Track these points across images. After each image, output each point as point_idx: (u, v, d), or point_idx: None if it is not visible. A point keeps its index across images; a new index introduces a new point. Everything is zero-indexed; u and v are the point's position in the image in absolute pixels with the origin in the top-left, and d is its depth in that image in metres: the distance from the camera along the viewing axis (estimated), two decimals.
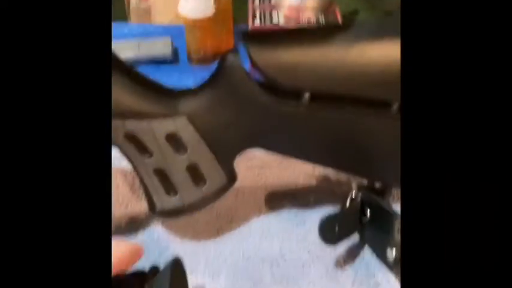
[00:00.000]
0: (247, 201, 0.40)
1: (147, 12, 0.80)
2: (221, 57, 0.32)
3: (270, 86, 0.32)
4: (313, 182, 0.43)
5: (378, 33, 0.31)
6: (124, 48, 0.57)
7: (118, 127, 0.30)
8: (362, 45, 0.30)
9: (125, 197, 0.40)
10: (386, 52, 0.29)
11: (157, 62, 0.58)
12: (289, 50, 0.32)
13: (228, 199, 0.40)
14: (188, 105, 0.32)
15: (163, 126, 0.31)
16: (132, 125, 0.30)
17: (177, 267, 0.27)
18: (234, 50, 0.63)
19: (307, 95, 0.32)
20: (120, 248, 0.27)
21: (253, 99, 0.32)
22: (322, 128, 0.34)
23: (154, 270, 0.28)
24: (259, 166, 0.44)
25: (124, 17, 0.81)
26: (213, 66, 0.59)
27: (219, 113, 0.32)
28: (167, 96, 0.32)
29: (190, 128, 0.32)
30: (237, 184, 0.36)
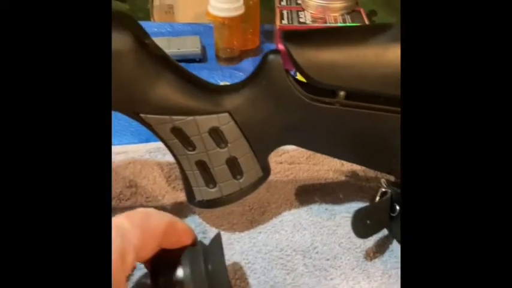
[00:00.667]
0: (278, 195, 0.42)
1: (170, 10, 0.82)
2: (262, 56, 0.34)
3: (307, 84, 0.33)
4: (342, 177, 0.44)
5: None
6: None
7: (166, 122, 0.32)
8: (398, 46, 0.32)
9: (162, 189, 0.42)
10: None
11: (186, 60, 0.60)
12: (327, 49, 0.33)
13: (260, 192, 0.41)
14: (230, 101, 0.33)
15: (207, 122, 0.33)
16: (178, 120, 0.32)
17: (216, 239, 0.30)
18: (259, 49, 0.65)
19: (342, 93, 0.33)
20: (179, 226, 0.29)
21: (290, 97, 0.33)
22: (355, 125, 0.35)
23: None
24: (289, 161, 0.45)
25: (148, 17, 0.83)
26: (241, 64, 0.61)
27: (258, 109, 0.34)
28: (212, 93, 0.33)
29: (232, 123, 0.33)
30: (269, 178, 0.37)
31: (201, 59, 0.61)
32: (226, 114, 0.33)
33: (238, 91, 0.34)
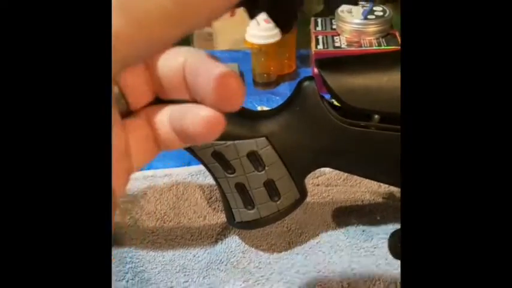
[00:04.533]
0: (315, 216, 0.43)
1: (209, 38, 0.85)
2: (297, 83, 0.35)
3: (342, 109, 0.35)
4: (379, 199, 0.44)
5: None
6: None
7: (207, 147, 0.34)
8: None
9: (203, 210, 0.44)
10: None
11: None
12: (360, 74, 0.34)
13: (297, 214, 0.42)
14: (267, 126, 0.35)
15: (245, 146, 0.34)
16: (219, 145, 0.34)
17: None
18: (295, 73, 0.67)
19: (377, 117, 0.34)
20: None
21: (326, 121, 0.35)
22: (390, 147, 0.36)
23: None
24: (326, 183, 0.46)
25: (188, 44, 0.87)
26: (277, 88, 0.63)
27: (294, 133, 0.35)
28: (250, 119, 0.35)
29: (269, 147, 0.35)
30: (306, 200, 0.38)
31: None
32: (264, 139, 0.35)
33: (274, 116, 0.35)
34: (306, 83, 0.34)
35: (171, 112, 0.20)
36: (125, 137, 0.20)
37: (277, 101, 0.61)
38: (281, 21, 0.22)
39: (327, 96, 0.35)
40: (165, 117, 0.20)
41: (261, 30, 0.59)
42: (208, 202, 0.44)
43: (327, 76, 0.34)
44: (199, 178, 0.47)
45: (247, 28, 0.60)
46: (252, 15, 0.22)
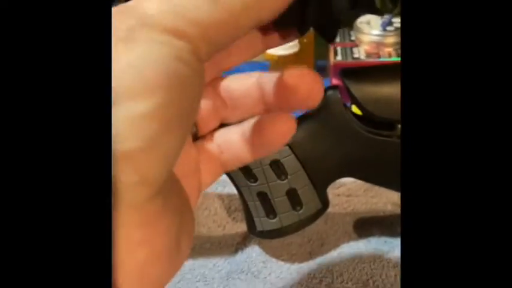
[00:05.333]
0: (337, 227, 0.42)
1: None
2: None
3: (366, 118, 0.34)
4: (400, 210, 0.44)
5: None
6: None
7: None
8: None
9: (222, 220, 0.44)
10: None
11: None
12: (384, 84, 0.34)
13: (319, 224, 0.42)
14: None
15: (268, 155, 0.34)
16: None
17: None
18: None
19: (400, 126, 0.34)
20: None
21: (349, 131, 0.35)
22: None
23: None
24: (347, 194, 0.46)
25: None
26: None
27: (318, 143, 0.35)
28: None
29: (292, 156, 0.35)
30: (327, 210, 0.38)
31: None
32: (287, 148, 0.35)
33: (298, 125, 0.35)
34: (330, 92, 0.34)
35: (243, 129, 0.22)
36: (195, 157, 0.22)
37: (296, 111, 0.61)
38: (328, 32, 0.22)
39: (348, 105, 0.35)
40: (234, 137, 0.22)
41: None
42: (227, 212, 0.44)
43: (351, 85, 0.34)
44: (217, 188, 0.47)
45: None
46: (302, 32, 0.22)
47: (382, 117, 0.34)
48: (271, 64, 0.62)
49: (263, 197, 0.36)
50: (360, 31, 0.61)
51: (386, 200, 0.45)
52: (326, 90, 0.35)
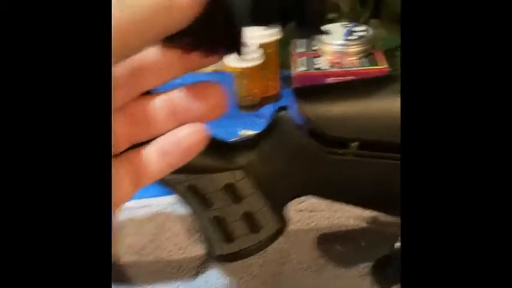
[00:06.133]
0: (300, 244, 0.42)
1: None
2: (272, 113, 0.35)
3: (320, 137, 0.34)
4: (363, 224, 0.44)
5: None
6: None
7: (181, 181, 0.33)
8: (399, 99, 0.32)
9: (183, 242, 0.43)
10: None
11: None
12: (337, 103, 0.34)
13: (280, 243, 0.41)
14: (244, 158, 0.34)
15: (222, 179, 0.34)
16: (194, 179, 0.33)
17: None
18: (279, 95, 0.66)
19: (354, 144, 0.34)
20: None
21: (303, 150, 0.34)
22: (369, 174, 0.35)
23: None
24: (310, 209, 0.46)
25: None
26: (261, 110, 0.63)
27: (272, 164, 0.34)
28: (225, 150, 0.34)
29: (246, 179, 0.34)
30: (290, 227, 0.38)
31: None
32: (240, 171, 0.34)
33: (251, 147, 0.34)
34: (281, 113, 0.34)
35: (159, 144, 0.23)
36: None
37: (261, 123, 0.60)
38: (235, 45, 0.22)
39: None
40: (151, 151, 0.23)
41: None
42: (189, 233, 0.43)
43: (304, 105, 0.33)
44: (179, 208, 0.46)
45: None
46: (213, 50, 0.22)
47: (336, 136, 0.34)
48: (235, 76, 0.62)
49: (219, 221, 0.35)
50: (322, 41, 0.61)
51: (349, 214, 0.44)
52: (277, 110, 0.34)
